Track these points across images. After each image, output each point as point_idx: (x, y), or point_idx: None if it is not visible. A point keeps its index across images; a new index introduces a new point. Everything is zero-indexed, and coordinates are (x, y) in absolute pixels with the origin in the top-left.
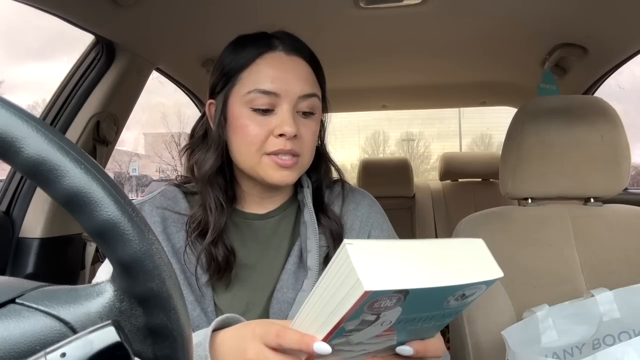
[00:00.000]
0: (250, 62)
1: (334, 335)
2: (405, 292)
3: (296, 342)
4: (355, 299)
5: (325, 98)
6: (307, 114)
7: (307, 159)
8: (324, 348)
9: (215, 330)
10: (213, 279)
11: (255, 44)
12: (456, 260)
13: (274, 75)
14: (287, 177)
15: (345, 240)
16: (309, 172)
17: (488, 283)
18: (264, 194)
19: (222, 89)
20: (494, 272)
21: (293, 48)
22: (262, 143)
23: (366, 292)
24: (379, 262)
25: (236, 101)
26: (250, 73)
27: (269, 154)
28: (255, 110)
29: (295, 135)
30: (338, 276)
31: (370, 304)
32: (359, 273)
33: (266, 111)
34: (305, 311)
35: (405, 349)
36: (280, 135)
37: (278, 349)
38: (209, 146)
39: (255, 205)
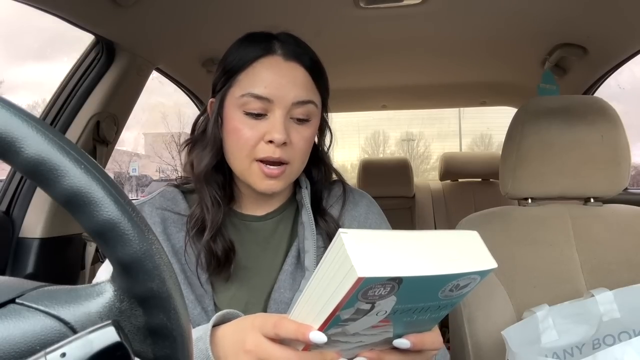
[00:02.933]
0: (248, 65)
1: (330, 324)
2: (398, 280)
3: (293, 331)
4: (349, 285)
5: (326, 104)
6: (301, 121)
7: (297, 166)
8: (320, 337)
9: (216, 325)
10: (213, 275)
11: (255, 46)
12: (450, 251)
13: (268, 80)
14: (273, 186)
15: (340, 230)
16: (308, 172)
17: (482, 274)
18: (260, 196)
19: (221, 89)
20: (488, 262)
21: (292, 53)
22: (252, 148)
23: (360, 279)
24: (373, 250)
25: (231, 103)
26: (247, 76)
27: (258, 160)
28: (248, 114)
29: (285, 143)
30: (333, 265)
31: (365, 291)
32: (353, 260)
33: (259, 115)
34: (302, 301)
35: (402, 342)
36: (270, 141)
37: (276, 340)
38: (206, 143)
39: (253, 206)
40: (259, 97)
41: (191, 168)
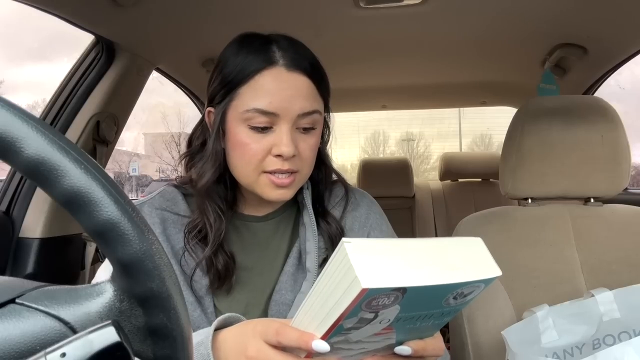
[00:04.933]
0: (249, 78)
1: (333, 333)
2: (403, 290)
3: (295, 339)
4: (352, 296)
5: (328, 108)
6: (307, 130)
7: (306, 172)
8: (323, 346)
9: (217, 329)
10: (213, 287)
11: (255, 57)
12: (454, 259)
13: (272, 93)
14: (283, 194)
15: (343, 239)
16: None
17: (486, 282)
18: (263, 199)
19: (221, 102)
20: (492, 270)
21: (294, 62)
22: (260, 162)
23: (363, 290)
24: (377, 260)
25: (234, 117)
26: (249, 89)
27: (266, 172)
28: (253, 128)
29: (293, 155)
30: (336, 274)
31: (368, 301)
32: (357, 271)
33: (265, 129)
34: (304, 309)
35: (404, 349)
36: (278, 155)
37: (278, 347)
38: (207, 157)
39: (255, 207)
40: (264, 112)
41: (191, 182)
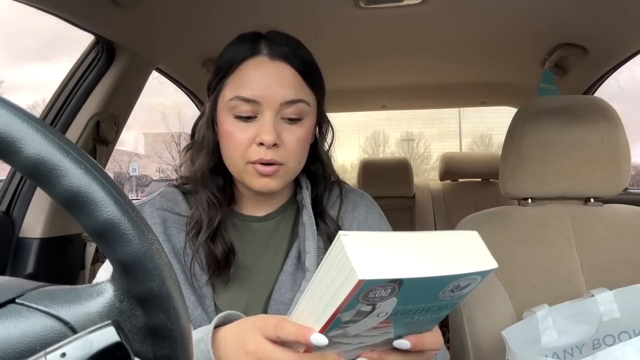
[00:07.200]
0: (235, 67)
1: (331, 326)
2: (399, 282)
3: (294, 334)
4: (349, 288)
5: (321, 102)
6: (293, 120)
7: (292, 166)
8: (321, 339)
9: (217, 326)
10: (212, 277)
11: (241, 48)
12: (451, 252)
13: (254, 81)
14: (268, 184)
15: (340, 232)
16: (308, 173)
17: (482, 274)
18: (260, 197)
19: (213, 93)
20: (488, 263)
21: (278, 52)
22: (245, 151)
23: (360, 281)
24: (374, 253)
25: (222, 107)
26: (234, 78)
27: (251, 162)
28: (238, 117)
29: (275, 144)
30: (333, 267)
31: (365, 293)
32: (353, 262)
33: (249, 118)
34: (303, 303)
35: (403, 343)
36: (261, 143)
37: (277, 342)
38: (201, 147)
39: (254, 207)
40: (246, 100)
41: (188, 170)
